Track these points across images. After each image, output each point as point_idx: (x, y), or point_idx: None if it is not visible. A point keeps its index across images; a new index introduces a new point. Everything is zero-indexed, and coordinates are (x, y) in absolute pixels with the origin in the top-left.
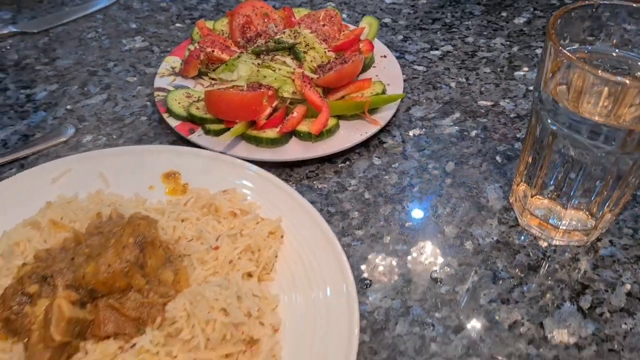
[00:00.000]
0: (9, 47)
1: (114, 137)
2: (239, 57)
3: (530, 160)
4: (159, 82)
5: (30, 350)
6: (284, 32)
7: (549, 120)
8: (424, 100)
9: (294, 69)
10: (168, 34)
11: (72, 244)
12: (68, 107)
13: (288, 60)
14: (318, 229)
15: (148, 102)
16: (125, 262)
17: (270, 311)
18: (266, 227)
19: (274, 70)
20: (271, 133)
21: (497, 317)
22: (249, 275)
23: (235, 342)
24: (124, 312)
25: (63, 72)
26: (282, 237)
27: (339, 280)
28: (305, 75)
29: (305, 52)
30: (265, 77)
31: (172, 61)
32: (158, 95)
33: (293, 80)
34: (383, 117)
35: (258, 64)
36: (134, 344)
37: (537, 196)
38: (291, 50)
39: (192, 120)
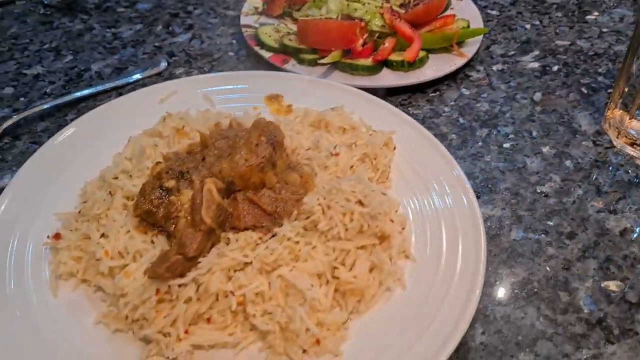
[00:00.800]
0: None
1: (205, 70)
2: None
3: (626, 89)
4: (244, 20)
5: (178, 235)
6: None
7: None
8: (502, 40)
9: (381, 4)
10: None
11: (198, 148)
12: (156, 44)
13: None
14: (428, 142)
15: (233, 40)
16: (261, 158)
17: (394, 212)
18: (380, 138)
19: (363, 4)
20: (365, 61)
21: (607, 225)
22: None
23: (370, 235)
24: (262, 205)
25: (145, 14)
26: (394, 149)
27: (457, 189)
28: (393, 10)
29: None
30: (355, 10)
31: (254, 2)
32: (246, 31)
33: (381, 14)
34: (468, 51)
35: None
36: (274, 235)
37: (634, 119)
38: None
39: (285, 51)
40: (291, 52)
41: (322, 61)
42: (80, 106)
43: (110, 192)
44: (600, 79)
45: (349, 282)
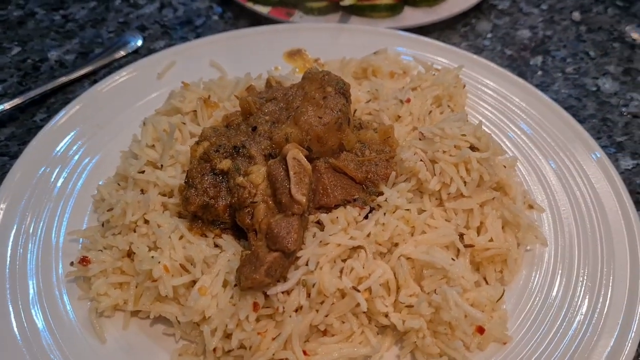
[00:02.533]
0: None
1: (190, 39)
2: None
3: None
4: None
5: (263, 227)
6: None
7: None
8: None
9: None
10: None
11: (239, 119)
12: (120, 20)
13: None
14: (499, 75)
15: (212, 3)
16: (337, 112)
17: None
18: (447, 76)
19: None
20: (386, 0)
21: None
22: None
23: (488, 188)
24: (350, 173)
25: None
26: (464, 87)
27: (554, 120)
28: None
29: None
30: None
31: None
32: None
33: None
34: None
35: None
36: (372, 208)
37: None
38: None
39: (287, 2)
40: (295, 2)
41: (343, 3)
42: (48, 102)
43: (142, 191)
44: None
45: (485, 249)
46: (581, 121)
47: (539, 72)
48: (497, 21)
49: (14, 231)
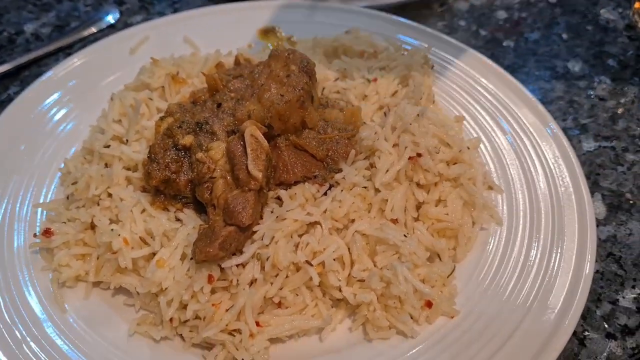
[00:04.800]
0: None
1: (168, 14)
2: None
3: None
4: None
5: (221, 201)
6: None
7: None
8: None
9: None
10: None
11: (205, 95)
12: None
13: None
14: (467, 55)
15: None
16: (299, 90)
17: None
18: (416, 57)
19: None
20: None
21: None
22: None
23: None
24: (310, 150)
25: None
26: (432, 67)
27: (517, 101)
28: None
29: None
30: None
31: None
32: None
33: None
34: None
35: None
36: (331, 185)
37: None
38: None
39: None
40: None
41: None
42: (22, 75)
43: (106, 165)
44: None
45: (439, 220)
46: (548, 103)
47: (512, 54)
48: (474, 1)
49: None
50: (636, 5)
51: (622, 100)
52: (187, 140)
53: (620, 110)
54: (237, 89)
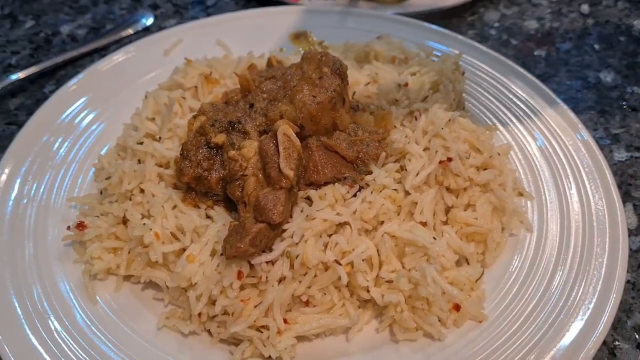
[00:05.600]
0: None
1: (202, 19)
2: None
3: None
4: None
5: (252, 199)
6: None
7: None
8: None
9: None
10: None
11: (238, 96)
12: None
13: None
14: (499, 63)
15: None
16: (331, 92)
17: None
18: (447, 62)
19: None
20: None
21: None
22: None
23: (479, 166)
24: (341, 152)
25: None
26: (463, 74)
27: (551, 111)
28: None
29: None
30: None
31: None
32: None
33: None
34: None
35: None
36: (361, 186)
37: None
38: None
39: None
40: None
41: None
42: (58, 75)
43: (139, 161)
44: None
45: (467, 224)
46: (580, 112)
47: (543, 63)
48: (506, 11)
49: (15, 193)
50: None
51: None
52: (220, 138)
53: None
54: (270, 90)
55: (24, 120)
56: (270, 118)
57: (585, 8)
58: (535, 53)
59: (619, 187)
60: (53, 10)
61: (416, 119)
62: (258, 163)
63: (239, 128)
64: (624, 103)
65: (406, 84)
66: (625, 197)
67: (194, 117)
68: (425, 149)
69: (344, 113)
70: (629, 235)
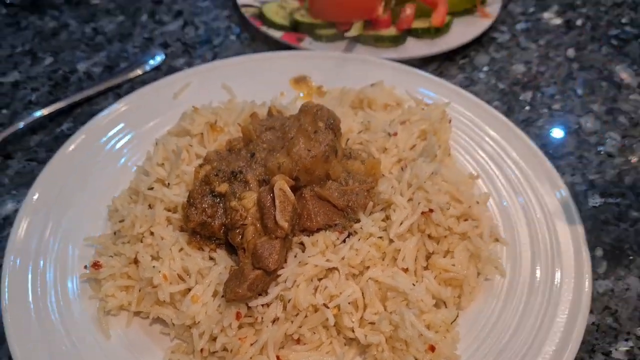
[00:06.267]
0: None
1: (209, 58)
2: None
3: None
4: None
5: (250, 246)
6: None
7: None
8: None
9: None
10: None
11: (240, 144)
12: (145, 36)
13: None
14: (484, 111)
15: (231, 23)
16: (325, 146)
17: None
18: (435, 112)
19: None
20: (389, 31)
21: None
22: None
23: (459, 216)
24: (332, 201)
25: (124, 4)
26: (450, 122)
27: (529, 158)
28: None
29: None
30: None
31: None
32: (247, 11)
33: None
34: (491, 11)
35: None
36: (350, 233)
37: None
38: None
39: (298, 28)
40: (305, 29)
41: (348, 34)
42: (75, 113)
43: (149, 206)
44: (627, 29)
45: (446, 270)
46: (559, 158)
47: (527, 107)
48: (495, 54)
49: (39, 228)
50: None
51: (630, 158)
52: (223, 187)
53: (627, 168)
54: (269, 140)
55: (44, 158)
56: (269, 168)
57: (571, 52)
58: (521, 97)
59: (591, 232)
60: (70, 47)
61: (402, 169)
62: (257, 213)
63: (241, 178)
64: (601, 149)
65: (395, 133)
66: (596, 241)
67: (200, 166)
68: (409, 200)
69: (336, 164)
70: (597, 279)
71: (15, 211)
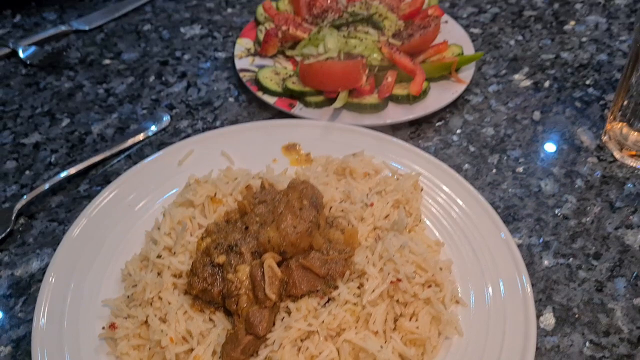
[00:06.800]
0: (67, 46)
1: (209, 120)
2: (319, 32)
3: (626, 102)
4: (239, 64)
5: (244, 314)
6: (354, 5)
7: None
8: (491, 59)
9: (378, 37)
10: (223, 20)
11: (236, 216)
12: (152, 97)
13: (370, 30)
14: (452, 180)
15: (230, 85)
16: (308, 222)
17: (435, 255)
18: (407, 182)
19: (361, 40)
20: (371, 99)
21: (626, 241)
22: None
23: (424, 283)
24: (315, 270)
25: (133, 65)
26: (421, 190)
27: (488, 224)
28: (391, 43)
29: (382, 22)
30: (355, 46)
31: (245, 43)
32: (244, 76)
33: (379, 48)
34: (465, 76)
35: (344, 35)
36: (329, 298)
37: (636, 131)
38: (369, 21)
39: (290, 95)
40: (296, 96)
41: (335, 105)
42: (90, 174)
43: (158, 273)
44: (590, 90)
45: (411, 332)
46: (518, 219)
47: (493, 170)
48: (468, 117)
49: (62, 289)
50: (607, 126)
51: (583, 220)
52: (221, 259)
53: (580, 230)
54: (261, 213)
55: (63, 218)
56: (260, 242)
57: (537, 115)
58: (489, 160)
59: (543, 291)
60: (85, 108)
61: (376, 240)
62: (249, 285)
63: (236, 250)
64: (557, 211)
65: (372, 204)
66: (547, 300)
67: (202, 238)
68: (380, 270)
69: (318, 236)
70: (545, 336)
71: (40, 270)
